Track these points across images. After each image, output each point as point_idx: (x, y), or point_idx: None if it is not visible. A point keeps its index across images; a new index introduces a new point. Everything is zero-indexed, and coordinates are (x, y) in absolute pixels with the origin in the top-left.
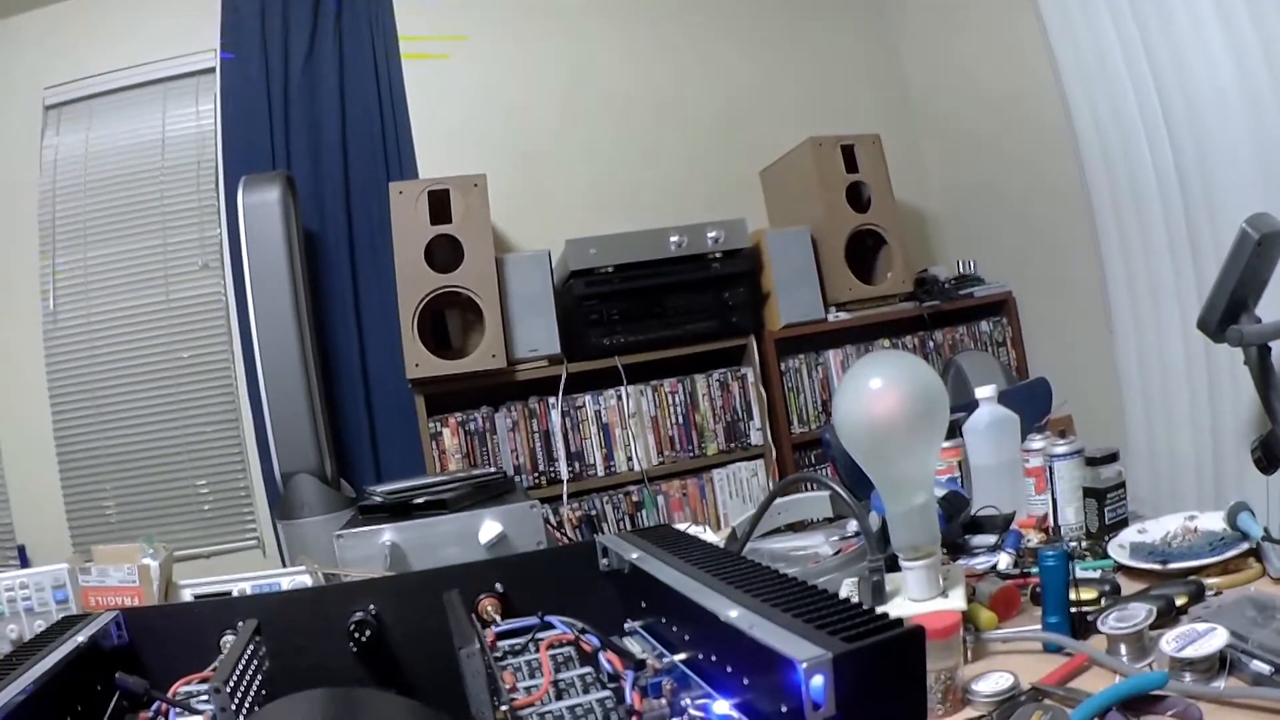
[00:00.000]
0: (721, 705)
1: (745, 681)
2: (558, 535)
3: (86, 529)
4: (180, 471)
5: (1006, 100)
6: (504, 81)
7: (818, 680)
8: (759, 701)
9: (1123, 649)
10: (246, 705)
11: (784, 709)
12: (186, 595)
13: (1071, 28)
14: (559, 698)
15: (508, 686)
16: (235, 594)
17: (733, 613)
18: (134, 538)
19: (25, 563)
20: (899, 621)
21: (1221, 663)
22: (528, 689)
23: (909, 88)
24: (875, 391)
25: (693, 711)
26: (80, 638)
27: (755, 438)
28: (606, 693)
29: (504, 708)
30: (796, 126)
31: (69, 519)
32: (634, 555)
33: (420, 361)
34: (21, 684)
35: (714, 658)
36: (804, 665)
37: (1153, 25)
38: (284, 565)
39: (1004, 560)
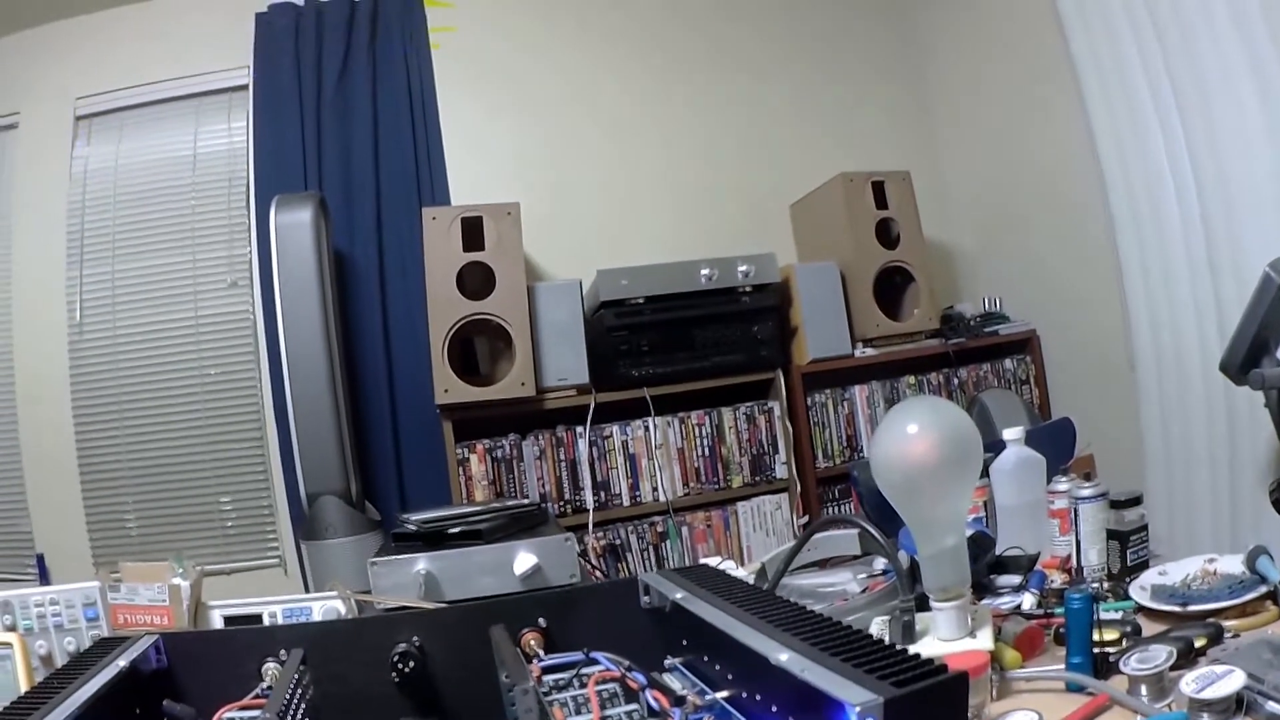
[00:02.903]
0: None
1: None
2: (590, 569)
3: (107, 541)
4: (204, 488)
5: (1034, 141)
6: (537, 111)
7: None
8: None
9: (1143, 689)
10: None
11: None
12: (216, 616)
13: (1102, 73)
14: None
15: None
16: (266, 617)
17: (783, 655)
18: (155, 552)
19: (44, 572)
20: (943, 667)
21: (1239, 704)
22: None
23: (938, 126)
24: (912, 435)
25: None
26: (121, 662)
27: (780, 471)
28: None
29: None
30: (827, 161)
31: (90, 531)
32: (678, 595)
33: (449, 387)
34: (67, 709)
35: (758, 697)
36: (857, 709)
37: (1180, 70)
38: (305, 585)
39: (1028, 600)
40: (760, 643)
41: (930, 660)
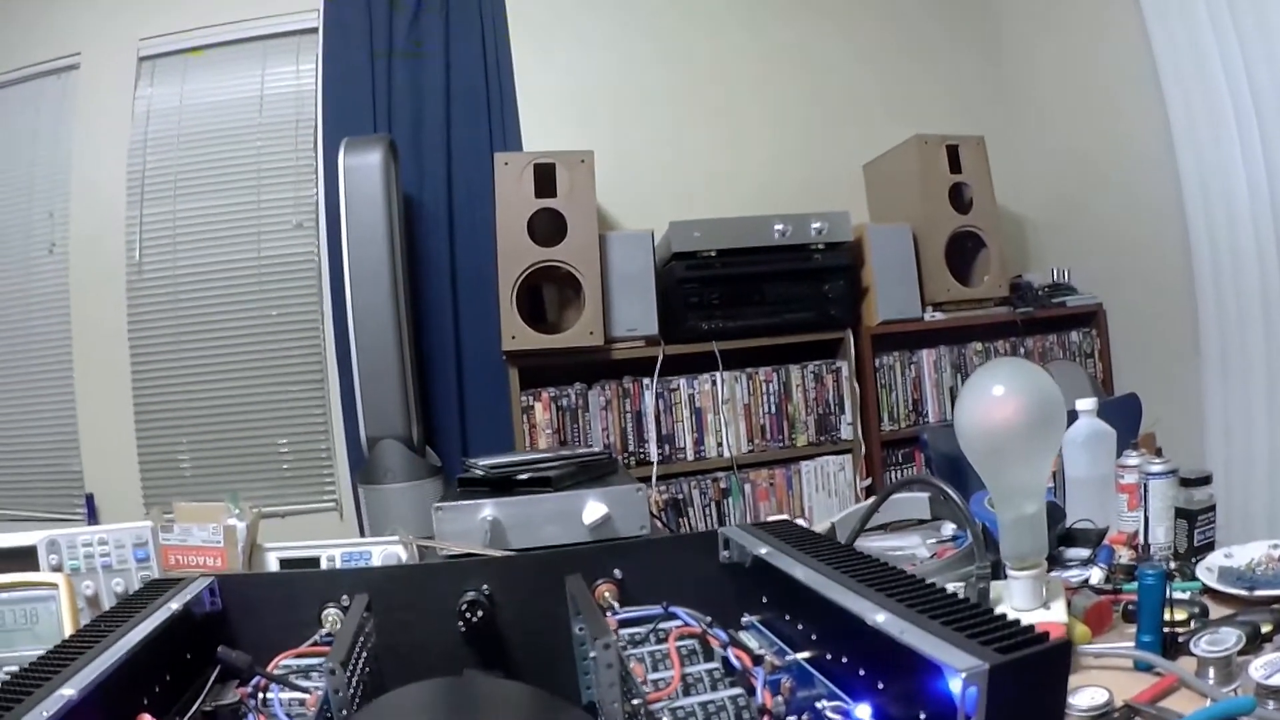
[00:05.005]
0: (863, 711)
1: (880, 685)
2: (651, 519)
3: (159, 482)
4: (260, 429)
5: (1108, 114)
6: (612, 60)
7: (972, 691)
8: (892, 706)
9: (1211, 672)
10: (354, 685)
11: (923, 716)
12: (271, 559)
13: (1177, 57)
14: (686, 693)
15: (638, 679)
16: (324, 560)
17: (880, 616)
18: (207, 493)
19: (92, 511)
20: (1045, 635)
21: None
22: (655, 683)
23: (1014, 93)
24: (997, 398)
25: (830, 715)
26: (174, 604)
27: (845, 432)
28: (738, 690)
29: (636, 701)
30: (902, 123)
31: (142, 471)
32: (762, 550)
33: (517, 334)
34: (116, 653)
35: (845, 659)
36: (963, 675)
37: (1256, 56)
38: (361, 530)
39: (1096, 575)
40: (854, 602)
41: (1030, 627)
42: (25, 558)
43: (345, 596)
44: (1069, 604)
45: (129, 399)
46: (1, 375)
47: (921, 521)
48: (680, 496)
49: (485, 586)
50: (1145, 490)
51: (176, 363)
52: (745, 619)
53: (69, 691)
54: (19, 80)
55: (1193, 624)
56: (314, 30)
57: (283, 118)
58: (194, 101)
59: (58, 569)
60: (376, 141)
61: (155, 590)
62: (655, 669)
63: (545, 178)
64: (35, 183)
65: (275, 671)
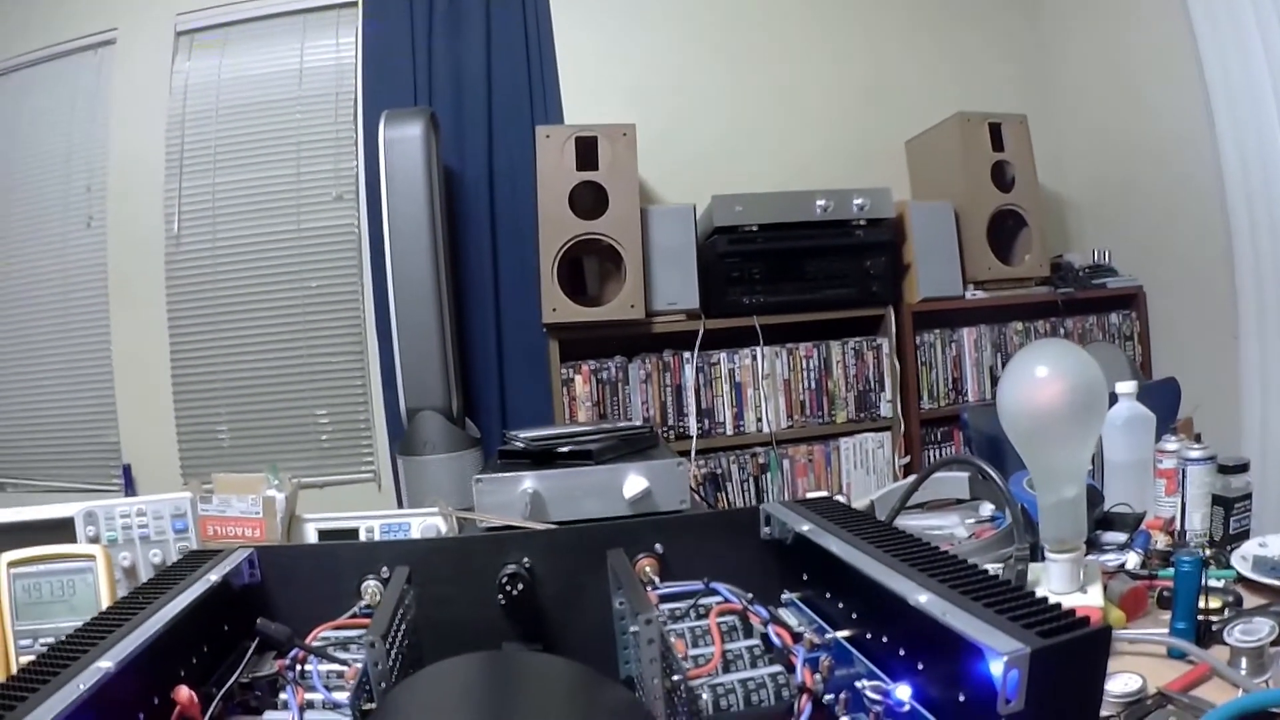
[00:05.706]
0: (903, 691)
1: (919, 666)
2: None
3: (197, 453)
4: (299, 401)
5: (1151, 98)
6: (654, 33)
7: (1014, 674)
8: (931, 686)
9: (1243, 662)
10: (393, 658)
11: (962, 698)
12: (310, 530)
13: (1216, 28)
14: (726, 669)
15: (679, 655)
16: (363, 532)
17: (922, 597)
18: (246, 464)
19: (129, 482)
20: (1086, 619)
21: None
22: (695, 659)
23: (1057, 74)
24: (1042, 379)
25: (870, 694)
26: (213, 576)
27: (885, 409)
28: (778, 668)
29: (676, 677)
30: (944, 100)
31: (180, 442)
32: (805, 527)
33: (558, 306)
34: (154, 624)
35: (885, 638)
36: (1005, 659)
37: None
38: (399, 501)
39: (1133, 560)
40: (897, 582)
41: (1071, 611)
42: (62, 529)
43: (385, 568)
44: (1105, 588)
45: (166, 370)
46: (40, 347)
47: (960, 501)
48: (719, 471)
49: (526, 559)
50: (1183, 476)
51: (215, 334)
52: (785, 596)
53: (106, 664)
54: (56, 56)
55: (1226, 613)
56: (354, 4)
57: (322, 91)
58: (232, 75)
59: (95, 540)
60: (417, 114)
61: (194, 561)
62: (695, 645)
63: (587, 151)
64: (73, 157)
65: (314, 644)
